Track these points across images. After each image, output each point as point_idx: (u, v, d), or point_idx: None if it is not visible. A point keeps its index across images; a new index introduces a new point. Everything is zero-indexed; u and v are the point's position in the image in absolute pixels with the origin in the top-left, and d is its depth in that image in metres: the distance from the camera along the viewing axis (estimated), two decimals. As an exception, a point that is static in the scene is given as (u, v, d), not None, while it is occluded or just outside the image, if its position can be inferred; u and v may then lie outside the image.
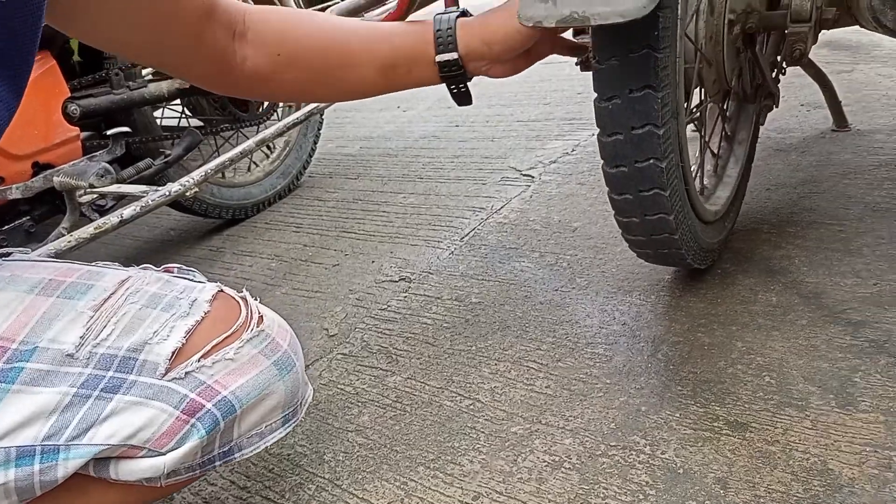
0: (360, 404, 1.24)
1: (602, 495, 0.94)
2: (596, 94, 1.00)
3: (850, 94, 2.12)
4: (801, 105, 2.16)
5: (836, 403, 1.01)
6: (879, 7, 1.08)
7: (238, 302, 0.81)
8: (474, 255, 1.67)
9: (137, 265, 0.83)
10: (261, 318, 0.80)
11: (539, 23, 0.82)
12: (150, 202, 1.48)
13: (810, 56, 1.72)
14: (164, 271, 0.84)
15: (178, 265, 0.87)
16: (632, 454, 1.00)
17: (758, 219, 1.55)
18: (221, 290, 0.81)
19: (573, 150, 2.22)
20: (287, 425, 0.85)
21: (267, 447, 0.85)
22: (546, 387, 1.18)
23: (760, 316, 1.23)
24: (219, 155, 1.86)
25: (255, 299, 0.86)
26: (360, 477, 1.07)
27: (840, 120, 1.91)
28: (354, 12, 1.09)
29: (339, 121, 3.27)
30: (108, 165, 1.58)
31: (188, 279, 0.83)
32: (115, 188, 1.56)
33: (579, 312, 1.36)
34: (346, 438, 1.16)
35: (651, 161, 0.99)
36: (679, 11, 0.95)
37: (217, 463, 0.81)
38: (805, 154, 1.81)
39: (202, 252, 2.09)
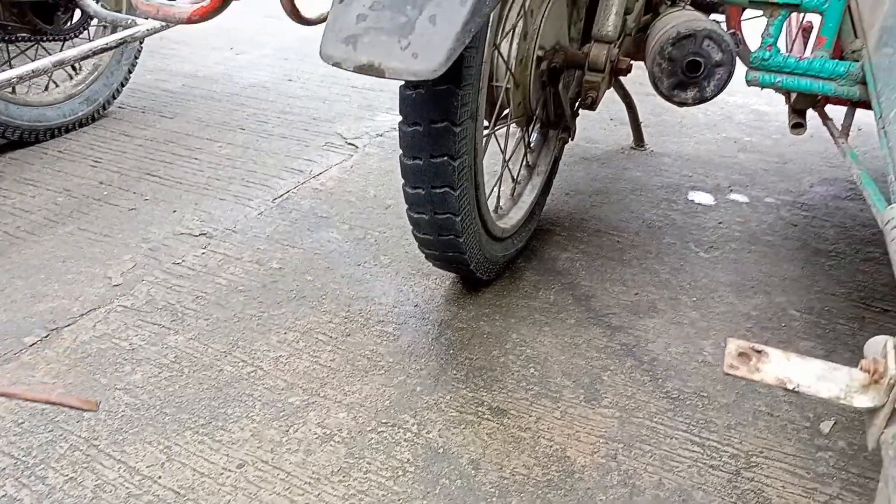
0: (134, 361, 1.18)
1: (364, 469, 0.99)
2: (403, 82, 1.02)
3: (652, 116, 2.35)
4: (611, 119, 2.35)
5: (584, 398, 1.13)
6: (658, 74, 1.20)
7: None
8: (283, 219, 1.65)
9: None
10: None
11: (338, 64, 0.83)
12: None
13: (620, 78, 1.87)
14: None
15: None
16: (399, 432, 1.05)
17: (554, 221, 1.67)
18: None
19: (401, 127, 2.24)
20: None
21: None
22: (331, 360, 1.20)
23: (538, 312, 1.34)
24: (9, 68, 1.66)
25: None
26: (120, 438, 1.03)
27: (639, 139, 2.11)
28: None
29: (165, 52, 3.03)
30: None
31: None
32: None
33: (377, 290, 1.39)
34: (113, 396, 1.11)
35: (445, 158, 1.03)
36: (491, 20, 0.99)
37: None
38: (604, 166, 1.98)
39: (-24, 173, 1.85)
